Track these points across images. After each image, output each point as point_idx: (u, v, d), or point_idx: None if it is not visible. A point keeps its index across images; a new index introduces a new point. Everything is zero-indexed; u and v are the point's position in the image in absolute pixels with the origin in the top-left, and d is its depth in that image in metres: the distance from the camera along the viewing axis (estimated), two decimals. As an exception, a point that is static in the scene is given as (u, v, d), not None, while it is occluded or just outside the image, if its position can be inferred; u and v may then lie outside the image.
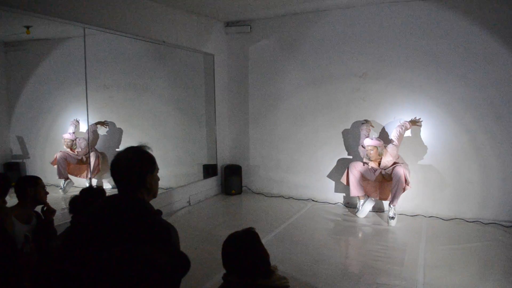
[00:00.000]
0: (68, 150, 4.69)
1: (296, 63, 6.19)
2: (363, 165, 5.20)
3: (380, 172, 5.12)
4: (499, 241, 4.40)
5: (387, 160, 5.01)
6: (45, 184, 3.16)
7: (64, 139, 4.65)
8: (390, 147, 5.01)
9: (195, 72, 6.43)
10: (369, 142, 5.03)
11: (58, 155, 4.62)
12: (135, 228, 1.62)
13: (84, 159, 4.69)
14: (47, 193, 3.14)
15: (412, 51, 5.35)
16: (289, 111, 6.34)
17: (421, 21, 5.27)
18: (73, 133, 4.70)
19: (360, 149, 5.34)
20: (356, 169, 5.22)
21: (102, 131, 5.01)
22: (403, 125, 5.18)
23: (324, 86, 6.01)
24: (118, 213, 1.69)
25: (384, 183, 5.19)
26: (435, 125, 5.31)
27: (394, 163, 5.03)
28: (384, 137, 5.51)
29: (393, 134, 5.15)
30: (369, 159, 5.11)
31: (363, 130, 5.42)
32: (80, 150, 4.69)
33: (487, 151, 5.08)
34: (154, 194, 1.88)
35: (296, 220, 5.25)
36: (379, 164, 5.09)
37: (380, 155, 5.04)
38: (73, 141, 4.70)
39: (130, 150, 1.86)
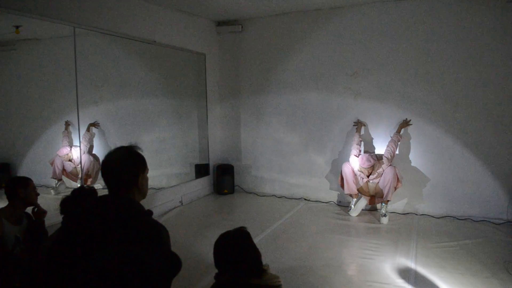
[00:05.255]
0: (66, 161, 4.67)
1: (288, 62, 6.20)
2: (353, 174, 5.22)
3: (367, 181, 5.16)
4: (489, 238, 4.45)
5: (377, 172, 5.03)
6: (35, 185, 3.14)
7: (59, 155, 4.62)
8: (383, 162, 5.02)
9: (186, 71, 6.41)
10: (366, 164, 4.94)
11: (56, 158, 4.60)
12: (125, 229, 1.61)
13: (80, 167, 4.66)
14: (38, 194, 3.12)
15: (402, 51, 5.39)
16: (281, 110, 6.35)
17: (412, 21, 5.30)
18: (68, 145, 4.66)
19: (352, 160, 5.26)
20: (349, 169, 5.24)
21: (96, 140, 4.99)
22: (395, 141, 5.21)
23: (315, 85, 6.02)
24: (109, 214, 1.68)
25: (370, 191, 5.25)
26: (426, 124, 5.35)
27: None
28: (372, 150, 5.63)
29: (387, 151, 5.13)
30: (361, 172, 5.12)
31: (355, 141, 5.43)
32: (77, 158, 4.66)
33: (477, 149, 5.12)
34: (144, 194, 1.87)
35: (289, 219, 5.26)
36: (369, 175, 5.11)
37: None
38: (68, 154, 4.66)
39: (120, 150, 1.85)
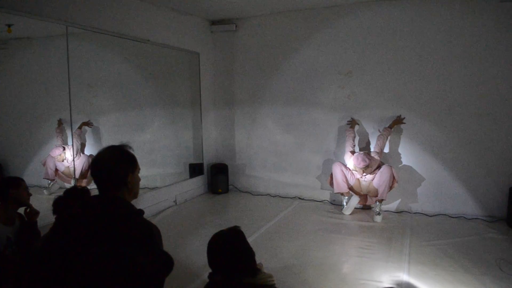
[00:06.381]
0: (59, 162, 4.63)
1: (282, 61, 6.20)
2: (343, 173, 5.21)
3: (358, 179, 5.17)
4: (482, 236, 4.48)
5: (370, 170, 5.02)
6: (28, 185, 3.11)
7: (51, 156, 4.57)
8: (374, 159, 5.02)
9: (180, 71, 6.39)
10: (362, 164, 4.89)
11: (48, 158, 4.55)
12: (117, 228, 1.61)
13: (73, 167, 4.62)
14: (30, 194, 3.09)
15: (396, 50, 5.40)
16: (275, 109, 6.35)
17: (406, 20, 5.31)
18: (61, 145, 4.61)
19: (347, 157, 5.27)
20: (339, 167, 5.25)
21: (88, 135, 4.95)
22: (385, 135, 5.23)
23: (309, 84, 6.03)
24: (100, 214, 1.67)
25: (363, 190, 5.26)
26: (419, 123, 5.37)
27: (377, 167, 5.08)
28: (368, 145, 5.63)
29: (376, 145, 5.17)
30: (355, 170, 5.11)
31: (350, 137, 5.43)
32: (69, 157, 4.62)
33: (470, 148, 5.15)
34: (135, 194, 1.85)
35: (283, 218, 5.26)
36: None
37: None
38: (60, 155, 4.62)
39: (110, 149, 1.84)
